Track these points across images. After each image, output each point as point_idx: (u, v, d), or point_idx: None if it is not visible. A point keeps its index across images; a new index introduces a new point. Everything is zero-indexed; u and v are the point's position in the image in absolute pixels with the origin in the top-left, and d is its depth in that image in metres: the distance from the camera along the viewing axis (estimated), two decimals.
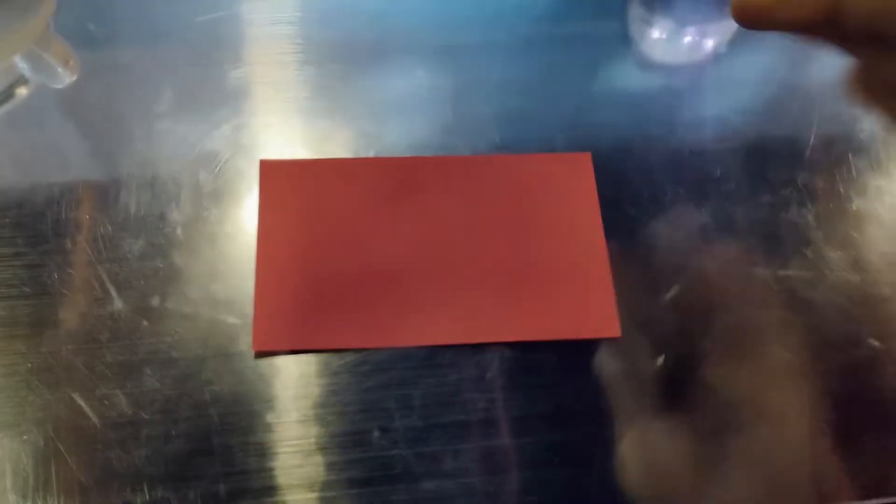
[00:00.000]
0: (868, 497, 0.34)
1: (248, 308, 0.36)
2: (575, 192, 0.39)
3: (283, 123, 0.40)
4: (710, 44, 0.45)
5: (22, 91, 0.40)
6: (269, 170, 0.38)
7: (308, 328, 0.35)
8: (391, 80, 0.42)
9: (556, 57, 0.44)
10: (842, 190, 0.41)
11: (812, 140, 0.42)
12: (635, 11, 0.46)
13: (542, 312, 0.36)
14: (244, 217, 0.38)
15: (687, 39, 0.45)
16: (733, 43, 0.45)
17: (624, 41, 0.45)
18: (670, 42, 0.45)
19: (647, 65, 0.44)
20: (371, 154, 0.40)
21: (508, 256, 0.37)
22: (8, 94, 0.40)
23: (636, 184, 0.40)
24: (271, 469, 0.33)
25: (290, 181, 0.38)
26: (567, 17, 0.45)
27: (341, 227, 0.37)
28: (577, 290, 0.37)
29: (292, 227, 0.37)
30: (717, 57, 0.45)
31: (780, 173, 0.41)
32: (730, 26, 0.45)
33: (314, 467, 0.33)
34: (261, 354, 0.35)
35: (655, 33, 0.45)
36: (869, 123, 0.42)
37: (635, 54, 0.44)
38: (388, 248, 0.37)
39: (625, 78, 0.44)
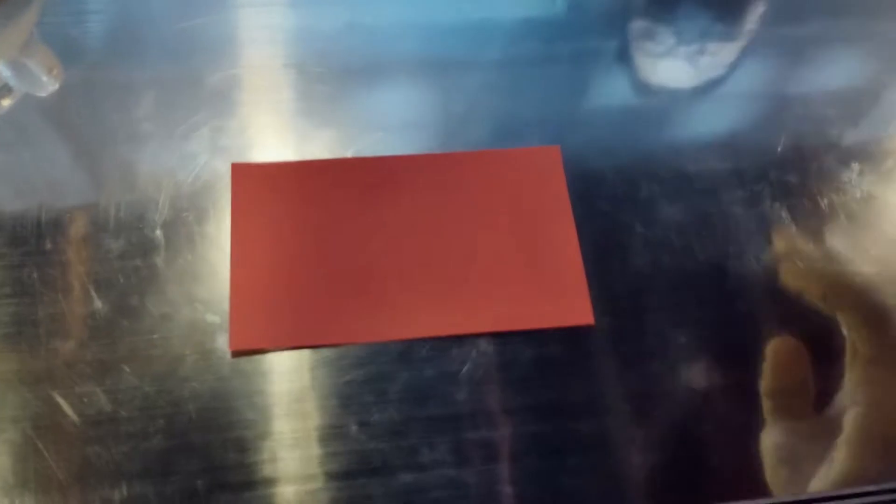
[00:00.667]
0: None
1: (227, 306, 0.36)
2: (545, 184, 0.40)
3: (262, 125, 0.41)
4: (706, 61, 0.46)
5: (5, 99, 0.41)
6: (241, 173, 0.39)
7: (284, 326, 0.36)
8: (371, 83, 0.43)
9: (534, 67, 0.45)
10: (813, 186, 0.41)
11: (783, 138, 0.43)
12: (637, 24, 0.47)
13: (516, 303, 0.37)
14: (222, 217, 0.38)
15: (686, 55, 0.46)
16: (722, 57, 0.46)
17: (601, 57, 0.46)
18: (669, 57, 0.46)
19: (632, 77, 0.45)
20: (349, 155, 0.40)
21: (481, 249, 0.38)
22: None
23: (610, 180, 0.41)
24: (250, 464, 0.33)
25: (262, 183, 0.39)
26: (553, 34, 0.46)
27: (315, 226, 0.38)
28: (550, 279, 0.37)
29: (266, 228, 0.38)
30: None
31: (754, 170, 0.41)
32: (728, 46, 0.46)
33: (293, 461, 0.34)
34: (238, 353, 0.35)
35: (657, 48, 0.46)
36: (839, 123, 0.43)
37: (622, 69, 0.45)
38: (362, 245, 0.38)
39: (603, 86, 0.45)
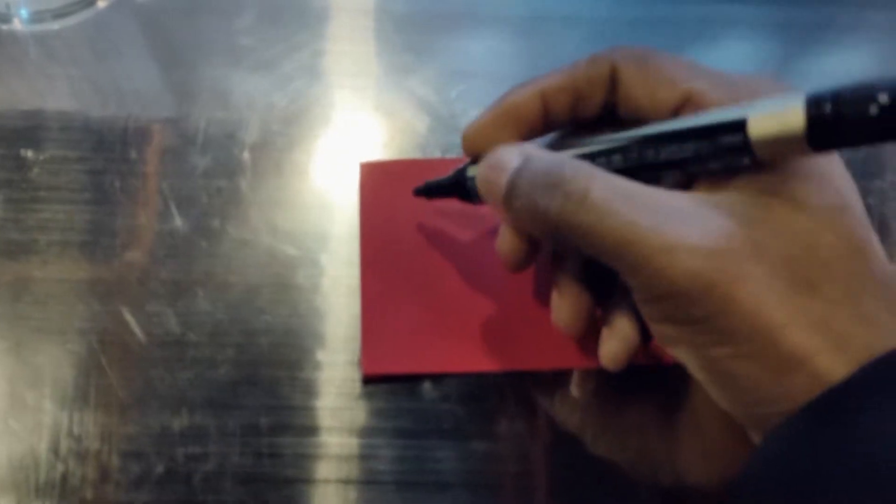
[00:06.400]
0: None
1: (309, 240, 0.34)
2: None
3: (361, 53, 0.38)
4: None
5: (101, 1, 0.39)
6: (370, 172, 0.35)
7: (419, 349, 0.32)
8: (477, 20, 0.40)
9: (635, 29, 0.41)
10: None
11: None
12: None
13: None
14: (313, 145, 0.36)
15: None
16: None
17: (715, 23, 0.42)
18: None
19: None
20: (452, 96, 0.37)
21: None
22: (87, 2, 0.39)
23: None
24: (316, 408, 0.32)
25: (390, 185, 0.34)
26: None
27: (445, 235, 0.34)
28: None
29: (396, 238, 0.34)
30: None
31: None
32: None
33: (359, 412, 0.32)
34: (370, 379, 0.32)
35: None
36: None
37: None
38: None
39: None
